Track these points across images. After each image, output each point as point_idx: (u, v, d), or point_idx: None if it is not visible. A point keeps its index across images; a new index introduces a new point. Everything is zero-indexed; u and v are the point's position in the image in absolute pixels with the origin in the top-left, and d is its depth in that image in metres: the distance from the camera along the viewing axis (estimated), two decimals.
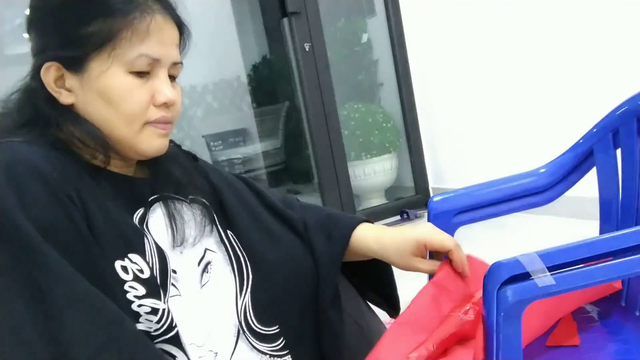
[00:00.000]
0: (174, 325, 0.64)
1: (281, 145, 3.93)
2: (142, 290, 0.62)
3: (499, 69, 2.56)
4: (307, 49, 2.66)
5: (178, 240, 0.71)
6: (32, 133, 0.65)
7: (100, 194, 0.65)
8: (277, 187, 3.94)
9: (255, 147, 3.96)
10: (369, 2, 3.22)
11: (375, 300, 0.94)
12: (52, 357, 0.53)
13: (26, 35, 0.70)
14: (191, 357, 0.65)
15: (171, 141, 0.82)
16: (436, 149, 3.07)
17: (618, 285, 0.88)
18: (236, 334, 0.73)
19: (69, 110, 0.68)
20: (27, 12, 0.68)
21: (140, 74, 0.67)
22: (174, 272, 0.69)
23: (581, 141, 0.95)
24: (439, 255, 0.82)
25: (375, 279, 0.93)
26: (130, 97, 0.66)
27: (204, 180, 0.83)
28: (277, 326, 0.77)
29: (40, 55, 0.67)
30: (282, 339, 0.77)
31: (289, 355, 0.77)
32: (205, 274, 0.73)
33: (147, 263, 0.65)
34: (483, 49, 2.62)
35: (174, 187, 0.76)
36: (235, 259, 0.78)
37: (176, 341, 0.64)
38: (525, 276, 0.54)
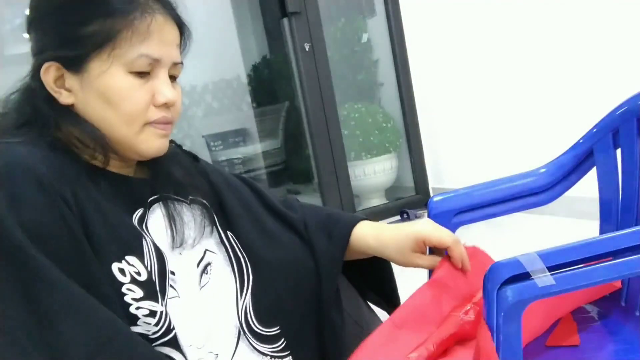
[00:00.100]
0: (172, 327, 0.64)
1: (281, 145, 3.92)
2: (139, 293, 0.62)
3: (499, 69, 2.56)
4: (307, 49, 2.66)
5: (177, 242, 0.71)
6: (31, 133, 0.65)
7: (98, 195, 0.65)
8: (277, 187, 3.94)
9: (255, 147, 3.96)
10: (369, 2, 3.22)
11: (375, 300, 0.94)
12: None
13: (26, 35, 0.70)
14: (190, 359, 0.65)
15: (172, 141, 0.82)
16: (436, 149, 3.07)
17: (618, 284, 0.88)
18: (237, 335, 0.73)
19: (69, 111, 0.67)
20: (27, 12, 0.68)
21: (141, 74, 0.67)
22: (173, 273, 0.68)
23: (581, 141, 0.95)
24: (439, 250, 0.81)
25: (375, 278, 0.93)
26: (130, 98, 0.66)
27: (205, 180, 0.83)
28: (278, 327, 0.77)
29: (40, 55, 0.67)
30: (282, 339, 0.77)
31: (290, 356, 0.77)
32: (204, 275, 0.73)
33: (145, 265, 0.65)
34: (483, 49, 2.62)
35: (174, 187, 0.76)
36: (235, 259, 0.78)
37: (174, 343, 0.64)
38: (525, 276, 0.54)
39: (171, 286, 0.68)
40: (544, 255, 0.54)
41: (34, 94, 0.68)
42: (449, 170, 3.04)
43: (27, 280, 0.55)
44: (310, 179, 3.38)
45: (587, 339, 0.78)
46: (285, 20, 2.70)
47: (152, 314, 0.62)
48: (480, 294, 0.67)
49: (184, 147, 0.86)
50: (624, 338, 0.79)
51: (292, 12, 2.61)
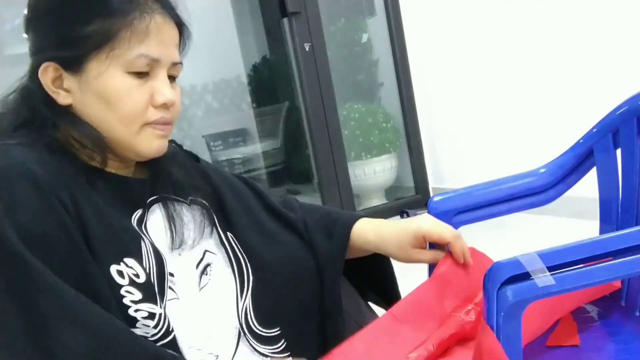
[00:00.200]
0: (171, 329, 0.64)
1: (281, 145, 3.92)
2: (138, 295, 0.62)
3: (499, 69, 2.56)
4: (307, 49, 2.66)
5: (177, 243, 0.71)
6: (29, 134, 0.65)
7: (96, 196, 0.65)
8: (277, 187, 3.94)
9: (255, 147, 3.96)
10: (369, 2, 3.22)
11: (375, 300, 0.94)
12: None
13: (25, 35, 0.69)
14: None
15: (173, 141, 0.82)
16: (436, 149, 3.07)
17: (617, 284, 0.88)
18: (237, 337, 0.73)
19: (67, 111, 0.67)
20: (26, 11, 0.68)
21: (140, 75, 0.66)
22: (172, 275, 0.68)
23: (581, 141, 0.95)
24: (441, 245, 0.81)
25: (375, 277, 0.93)
26: (128, 98, 0.66)
27: (205, 181, 0.82)
28: (278, 328, 0.77)
29: (38, 55, 0.66)
30: (283, 340, 0.77)
31: (290, 357, 0.77)
32: (204, 276, 0.73)
33: (143, 267, 0.64)
34: (483, 49, 2.62)
35: (173, 188, 0.75)
36: (235, 260, 0.77)
37: (174, 345, 0.64)
38: (525, 276, 0.53)
39: (170, 288, 0.67)
40: (544, 255, 0.54)
41: (31, 94, 0.67)
42: (449, 170, 3.04)
43: (22, 285, 0.54)
44: (310, 179, 3.38)
45: (587, 339, 0.78)
46: (285, 20, 2.70)
47: (151, 316, 0.62)
48: (481, 295, 0.67)
49: (184, 147, 0.86)
50: (624, 338, 0.79)
51: (292, 12, 2.61)
